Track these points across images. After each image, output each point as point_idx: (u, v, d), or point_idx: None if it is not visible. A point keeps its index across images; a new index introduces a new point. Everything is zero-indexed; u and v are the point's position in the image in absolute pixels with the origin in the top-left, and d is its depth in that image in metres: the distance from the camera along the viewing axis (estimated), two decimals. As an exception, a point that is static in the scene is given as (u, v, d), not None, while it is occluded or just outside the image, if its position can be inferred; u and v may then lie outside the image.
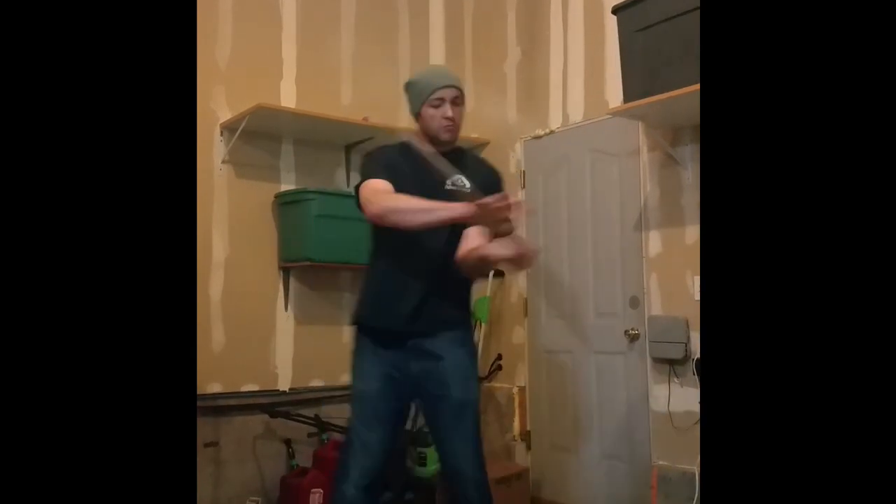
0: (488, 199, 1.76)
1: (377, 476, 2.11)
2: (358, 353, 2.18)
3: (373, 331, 2.15)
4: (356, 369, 2.17)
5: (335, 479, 2.17)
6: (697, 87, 2.38)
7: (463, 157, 2.21)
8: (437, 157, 2.07)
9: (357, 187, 2.10)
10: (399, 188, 2.01)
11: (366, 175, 2.09)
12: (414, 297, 2.08)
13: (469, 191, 2.05)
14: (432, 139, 2.14)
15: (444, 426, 2.10)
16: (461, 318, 2.20)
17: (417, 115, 2.15)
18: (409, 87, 2.17)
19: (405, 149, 2.14)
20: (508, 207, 1.78)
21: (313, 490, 3.13)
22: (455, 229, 2.03)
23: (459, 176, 2.10)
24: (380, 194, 1.99)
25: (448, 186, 2.06)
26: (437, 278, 2.09)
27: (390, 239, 2.10)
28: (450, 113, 2.09)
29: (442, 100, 2.09)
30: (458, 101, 2.12)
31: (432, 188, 2.01)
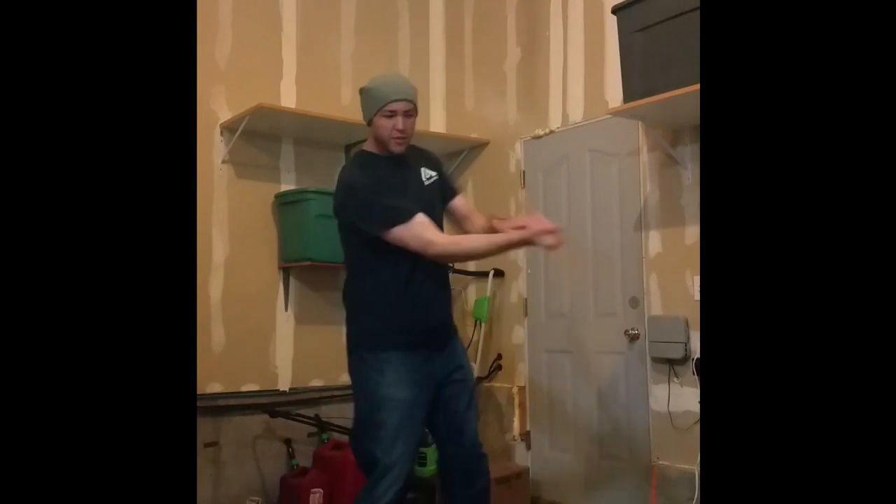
0: (542, 227, 2.05)
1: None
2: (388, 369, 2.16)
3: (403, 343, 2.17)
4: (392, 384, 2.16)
5: None
6: (697, 87, 2.39)
7: (415, 150, 2.35)
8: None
9: (355, 213, 2.15)
10: (399, 192, 2.15)
11: (382, 211, 2.09)
12: (437, 304, 2.27)
13: (435, 180, 2.30)
14: (383, 148, 2.22)
15: (463, 407, 2.28)
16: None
17: (370, 122, 2.22)
18: (364, 93, 2.22)
19: (370, 158, 2.26)
20: (552, 231, 2.06)
21: (313, 490, 3.14)
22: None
23: (426, 169, 2.29)
24: (437, 233, 2.12)
25: (424, 181, 2.27)
26: (440, 281, 2.30)
27: (393, 250, 2.12)
28: (401, 125, 2.15)
29: (394, 112, 2.15)
30: (410, 113, 2.18)
31: (419, 187, 2.24)
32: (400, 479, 2.08)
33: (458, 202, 2.40)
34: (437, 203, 2.30)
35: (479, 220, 2.39)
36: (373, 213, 2.10)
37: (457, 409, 2.26)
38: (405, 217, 2.06)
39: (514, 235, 2.11)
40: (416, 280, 2.16)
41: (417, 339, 2.17)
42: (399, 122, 2.14)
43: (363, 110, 2.23)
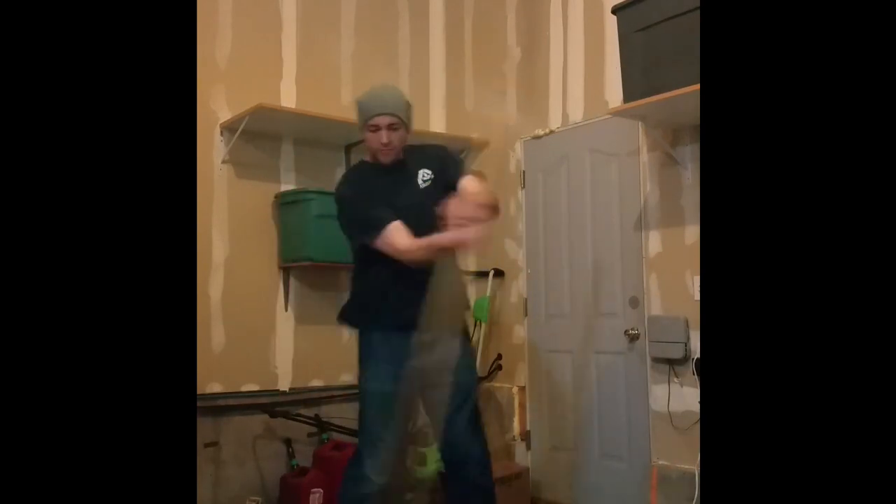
0: (452, 213, 1.94)
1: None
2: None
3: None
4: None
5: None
6: (697, 87, 2.39)
7: (418, 151, 2.40)
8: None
9: (345, 224, 2.33)
10: (382, 202, 2.23)
11: (361, 223, 2.25)
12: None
13: (434, 178, 2.31)
14: (375, 157, 2.36)
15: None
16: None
17: (362, 133, 2.33)
18: (356, 106, 2.34)
19: (362, 168, 2.43)
20: (474, 207, 1.96)
21: (313, 490, 3.14)
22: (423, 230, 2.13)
23: (424, 170, 2.33)
24: (405, 239, 2.15)
25: (420, 183, 2.31)
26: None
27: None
28: (384, 139, 2.26)
29: (377, 126, 2.25)
30: (394, 126, 2.27)
31: (411, 191, 2.29)
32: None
33: (463, 184, 2.25)
34: (436, 201, 2.27)
35: None
36: (355, 224, 2.31)
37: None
38: (379, 227, 2.18)
39: (442, 238, 2.02)
40: (400, 280, 2.21)
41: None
42: (383, 135, 2.26)
43: (357, 122, 2.35)
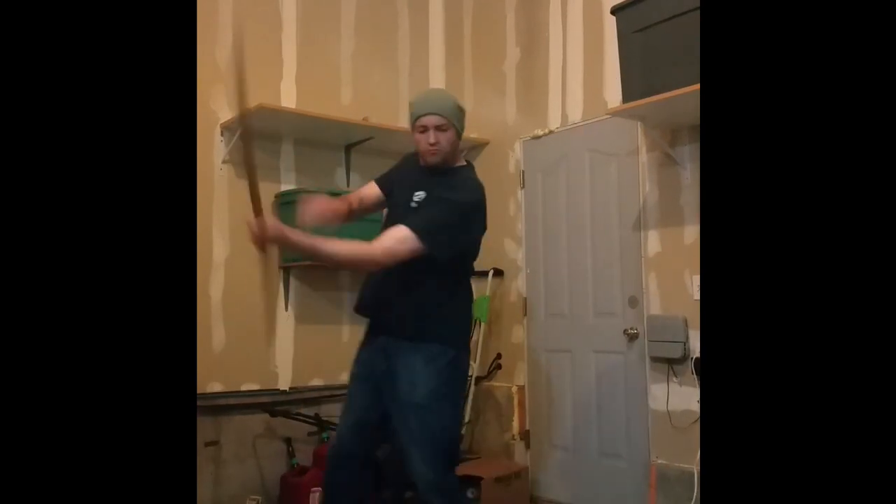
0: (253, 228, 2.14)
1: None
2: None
3: None
4: None
5: None
6: (696, 87, 2.40)
7: (449, 174, 2.26)
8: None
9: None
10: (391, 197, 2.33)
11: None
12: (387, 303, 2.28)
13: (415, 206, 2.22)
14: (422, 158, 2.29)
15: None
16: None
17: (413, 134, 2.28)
18: (410, 106, 2.30)
19: (408, 161, 2.41)
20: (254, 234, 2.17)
21: (313, 489, 3.14)
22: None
23: (421, 192, 2.23)
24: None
25: (412, 204, 2.22)
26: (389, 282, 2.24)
27: None
28: (432, 139, 2.20)
29: (425, 127, 2.20)
30: (443, 127, 2.21)
31: (405, 202, 2.23)
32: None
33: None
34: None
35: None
36: None
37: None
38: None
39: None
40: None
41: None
42: (430, 136, 2.20)
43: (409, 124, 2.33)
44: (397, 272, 2.13)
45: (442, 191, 2.19)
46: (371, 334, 2.33)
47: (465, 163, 2.38)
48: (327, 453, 2.37)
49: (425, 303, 2.20)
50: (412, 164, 2.35)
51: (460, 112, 2.27)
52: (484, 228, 2.28)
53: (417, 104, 2.25)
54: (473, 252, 2.32)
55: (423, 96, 2.30)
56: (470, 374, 3.57)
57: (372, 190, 2.42)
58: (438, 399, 2.16)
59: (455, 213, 2.15)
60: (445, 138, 2.21)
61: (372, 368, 2.26)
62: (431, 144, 2.21)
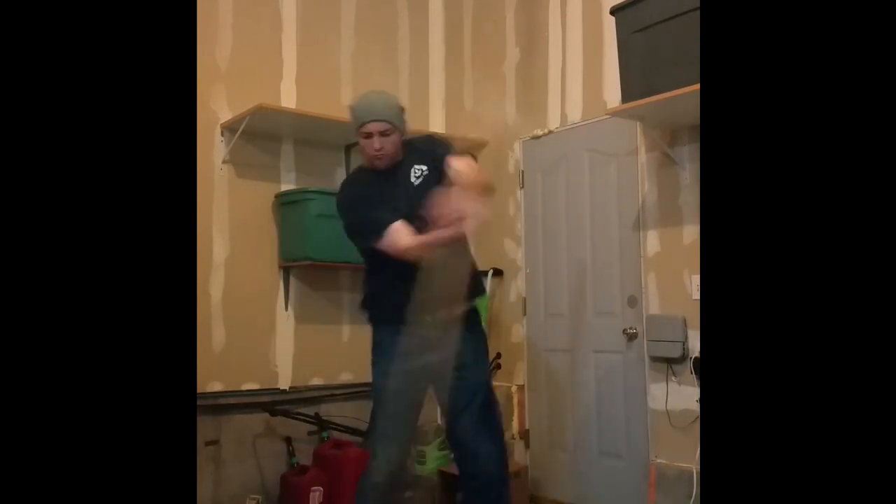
0: (443, 212, 1.98)
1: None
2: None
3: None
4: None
5: None
6: (695, 87, 2.40)
7: (408, 147, 2.37)
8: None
9: (347, 230, 2.37)
10: (382, 204, 2.25)
11: (358, 221, 2.31)
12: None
13: (428, 171, 2.28)
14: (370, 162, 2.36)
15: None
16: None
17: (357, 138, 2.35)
18: (350, 111, 2.34)
19: (359, 174, 2.47)
20: (463, 197, 1.97)
21: (313, 488, 3.15)
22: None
23: (416, 166, 2.32)
24: (407, 238, 2.17)
25: (413, 180, 2.30)
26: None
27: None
28: (377, 145, 2.27)
29: (370, 133, 2.26)
30: (387, 132, 2.26)
31: (406, 190, 2.28)
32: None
33: (450, 164, 2.16)
34: (432, 192, 2.22)
35: None
36: (357, 229, 2.34)
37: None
38: (379, 230, 2.20)
39: (442, 234, 2.06)
40: (408, 279, 2.18)
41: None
42: (375, 142, 2.26)
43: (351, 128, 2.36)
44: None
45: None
46: (410, 341, 2.29)
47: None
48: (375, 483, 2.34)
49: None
50: (366, 174, 2.41)
51: (402, 111, 2.33)
52: (364, 209, 2.30)
53: (360, 111, 2.28)
54: (363, 231, 2.33)
55: (364, 102, 2.31)
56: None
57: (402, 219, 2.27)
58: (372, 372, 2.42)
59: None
60: (390, 142, 2.29)
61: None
62: (377, 150, 2.28)
